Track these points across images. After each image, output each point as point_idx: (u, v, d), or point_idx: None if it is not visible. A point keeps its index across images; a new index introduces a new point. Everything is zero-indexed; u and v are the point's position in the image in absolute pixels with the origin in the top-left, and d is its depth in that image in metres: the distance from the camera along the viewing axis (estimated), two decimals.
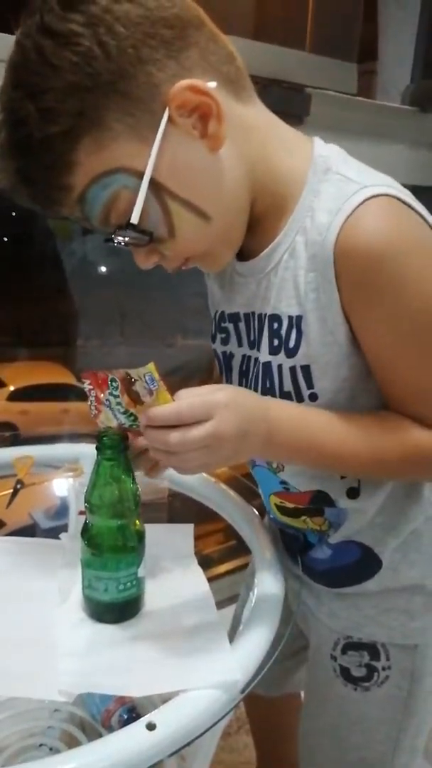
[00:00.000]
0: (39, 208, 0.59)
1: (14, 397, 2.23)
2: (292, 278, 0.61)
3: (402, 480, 0.67)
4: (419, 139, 1.68)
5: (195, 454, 0.54)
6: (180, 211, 0.57)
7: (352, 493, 0.68)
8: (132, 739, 0.49)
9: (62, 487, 0.96)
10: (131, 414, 0.59)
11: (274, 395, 0.65)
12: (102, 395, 0.60)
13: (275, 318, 0.64)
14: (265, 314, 0.65)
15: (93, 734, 0.86)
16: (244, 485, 0.87)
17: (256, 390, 0.67)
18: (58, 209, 0.58)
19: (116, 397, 0.59)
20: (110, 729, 0.83)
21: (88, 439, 0.89)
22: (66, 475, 0.95)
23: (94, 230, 0.61)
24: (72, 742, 0.85)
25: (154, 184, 0.55)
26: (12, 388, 2.23)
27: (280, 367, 0.64)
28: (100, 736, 0.85)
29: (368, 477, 0.66)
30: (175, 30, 0.54)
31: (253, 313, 0.68)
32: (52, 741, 0.85)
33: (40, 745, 0.85)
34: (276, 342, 0.64)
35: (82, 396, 0.64)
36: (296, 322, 0.61)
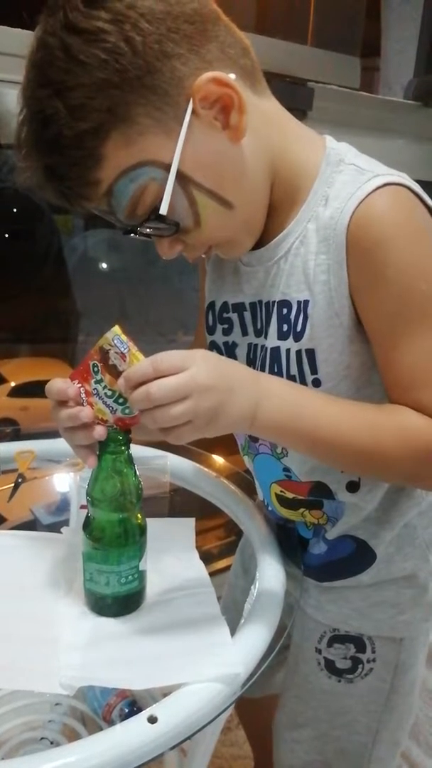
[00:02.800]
0: (66, 203, 0.59)
1: (15, 393, 2.23)
2: (301, 264, 0.62)
3: (397, 472, 0.64)
4: (422, 133, 1.68)
5: (179, 407, 0.52)
6: (205, 201, 0.59)
7: (352, 487, 0.69)
8: (133, 732, 0.49)
9: (63, 482, 0.96)
10: (119, 396, 0.58)
11: None
12: (89, 387, 0.59)
13: (284, 303, 0.64)
14: (274, 301, 0.65)
15: (94, 728, 0.87)
16: (245, 480, 0.87)
17: None
18: (85, 204, 0.59)
19: (100, 381, 0.58)
20: (111, 723, 0.84)
21: None
22: (67, 470, 0.95)
23: (118, 223, 0.61)
24: (73, 736, 0.86)
25: (180, 175, 0.56)
26: (13, 384, 2.23)
27: (288, 351, 0.64)
28: (101, 729, 0.85)
29: (364, 463, 0.63)
30: (196, 25, 0.55)
31: (260, 302, 0.68)
32: (53, 734, 0.86)
33: (41, 738, 0.85)
34: (285, 327, 0.64)
35: None
36: (304, 306, 0.62)
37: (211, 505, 0.87)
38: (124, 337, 0.56)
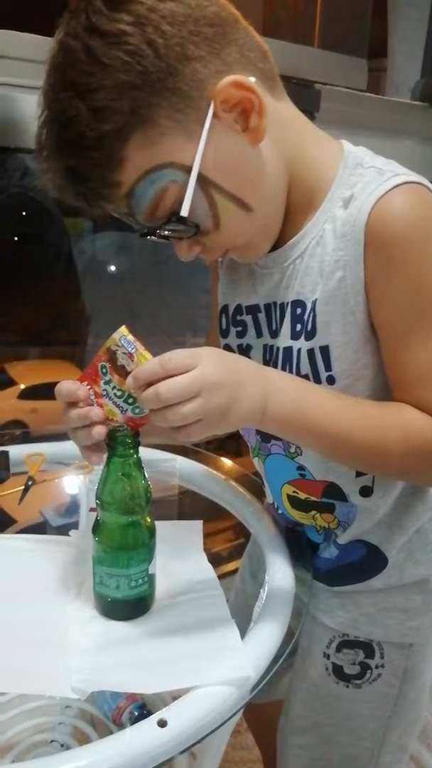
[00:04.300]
0: (85, 205, 0.60)
1: (24, 395, 2.24)
2: (317, 264, 0.63)
3: (397, 469, 0.64)
4: (429, 134, 1.68)
5: (189, 406, 0.52)
6: (225, 204, 0.59)
7: (365, 491, 0.68)
8: (143, 735, 0.48)
9: (72, 484, 0.96)
10: (129, 396, 0.58)
11: None
12: (98, 388, 0.59)
13: (298, 303, 0.64)
14: (288, 302, 0.66)
15: (103, 731, 0.87)
16: (253, 483, 0.87)
17: None
18: (105, 205, 0.59)
19: (109, 382, 0.58)
20: (121, 726, 0.84)
21: None
22: (76, 472, 0.95)
23: (136, 225, 0.62)
24: (83, 739, 0.86)
25: (201, 177, 0.57)
26: (22, 387, 2.24)
27: (299, 351, 0.64)
28: (111, 732, 0.86)
29: (365, 459, 0.63)
30: (216, 27, 0.56)
31: (275, 303, 0.68)
32: (63, 737, 0.86)
33: (52, 741, 0.86)
34: (299, 327, 0.64)
35: None
36: (318, 304, 0.62)
37: (220, 507, 0.87)
38: (131, 337, 0.56)
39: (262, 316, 0.70)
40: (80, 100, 0.53)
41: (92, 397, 0.60)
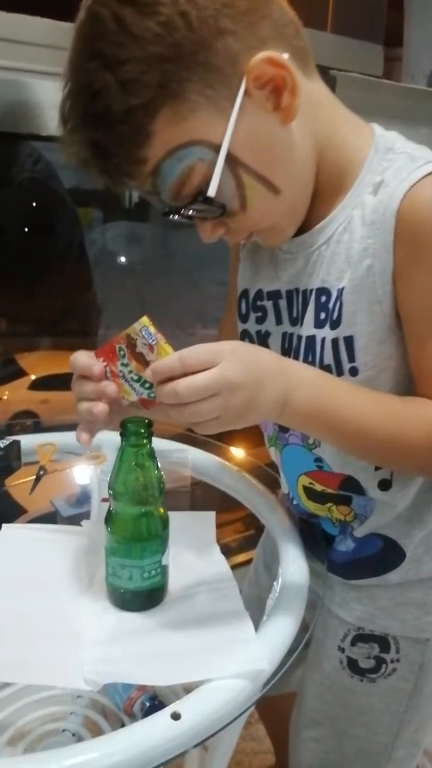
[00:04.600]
0: (109, 181, 0.58)
1: (35, 386, 2.25)
2: (344, 251, 0.61)
3: (417, 464, 0.63)
4: None
5: (206, 404, 0.51)
6: (253, 184, 0.58)
7: (384, 485, 0.67)
8: (157, 728, 0.48)
9: (83, 474, 0.96)
10: (145, 381, 0.57)
11: None
12: (114, 368, 0.58)
13: (323, 291, 0.63)
14: (311, 289, 0.64)
15: (115, 720, 0.87)
16: (266, 474, 0.86)
17: None
18: (129, 182, 0.58)
19: (126, 365, 0.57)
20: (132, 716, 0.84)
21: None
22: (88, 463, 0.95)
23: (160, 204, 0.60)
24: (94, 728, 0.86)
25: (229, 156, 0.55)
26: (33, 378, 2.24)
27: (323, 340, 0.63)
28: (122, 722, 0.85)
29: (385, 454, 0.62)
30: (250, 1, 0.54)
31: (297, 290, 0.67)
32: (75, 726, 0.86)
33: (63, 730, 0.86)
34: (323, 315, 0.63)
35: None
36: (345, 293, 0.61)
37: (230, 498, 0.86)
38: (152, 329, 0.55)
39: (283, 303, 0.69)
40: (108, 72, 0.52)
41: (108, 376, 0.58)
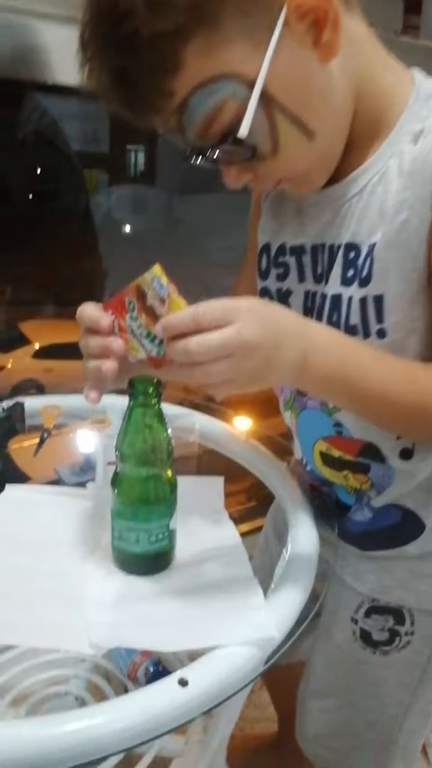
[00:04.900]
0: (131, 114, 0.54)
1: (39, 354, 2.24)
2: (378, 204, 0.57)
3: None
4: None
5: (219, 365, 0.48)
6: (287, 127, 0.54)
7: (405, 454, 0.65)
8: (163, 694, 0.46)
9: (88, 441, 0.94)
10: (155, 337, 0.54)
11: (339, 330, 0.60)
12: (123, 322, 0.55)
13: (352, 247, 0.59)
14: (339, 244, 0.61)
15: (118, 685, 0.86)
16: (275, 443, 0.84)
17: None
18: (152, 117, 0.54)
19: (135, 319, 0.54)
20: (136, 681, 0.83)
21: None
22: (93, 427, 0.93)
23: (184, 144, 0.56)
24: (97, 692, 0.85)
25: (264, 94, 0.51)
26: (37, 346, 2.23)
27: (350, 299, 0.59)
28: (125, 687, 0.85)
29: (405, 422, 0.59)
30: None
31: (323, 245, 0.63)
32: (78, 690, 0.85)
33: (66, 693, 0.85)
34: (351, 272, 0.59)
35: None
36: (378, 249, 0.57)
37: (234, 468, 0.84)
38: (164, 280, 0.51)
39: (306, 259, 0.65)
40: None
41: (116, 330, 0.55)
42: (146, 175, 2.62)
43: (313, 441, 0.71)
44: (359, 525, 0.72)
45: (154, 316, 0.52)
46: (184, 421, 0.88)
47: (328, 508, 0.73)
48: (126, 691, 0.85)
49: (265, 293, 0.69)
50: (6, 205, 1.79)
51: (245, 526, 1.03)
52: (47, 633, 0.54)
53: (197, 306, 0.49)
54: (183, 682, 0.47)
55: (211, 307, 0.49)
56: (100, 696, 0.84)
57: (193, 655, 0.51)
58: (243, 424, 0.94)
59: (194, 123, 0.53)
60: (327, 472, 0.72)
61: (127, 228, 2.53)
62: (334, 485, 0.73)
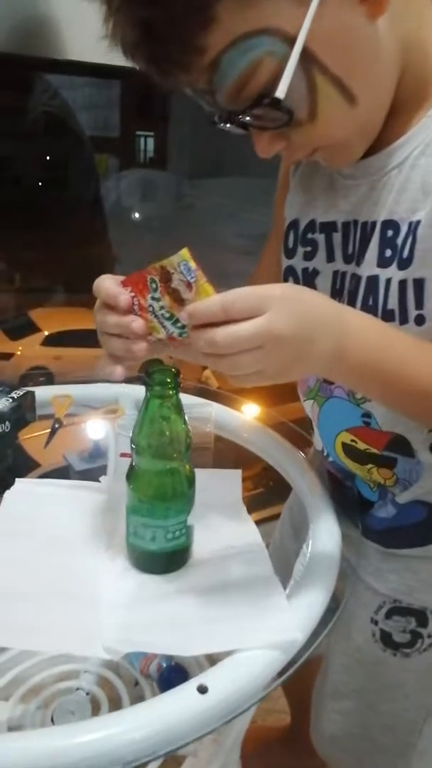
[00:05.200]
0: (157, 73, 0.50)
1: (48, 342, 2.23)
2: (420, 177, 0.53)
3: None
4: None
5: (247, 357, 0.45)
6: (328, 90, 0.49)
7: None
8: (182, 703, 0.44)
9: (97, 428, 0.92)
10: (178, 320, 0.50)
11: (375, 315, 0.56)
12: (143, 301, 0.51)
13: (391, 224, 0.55)
14: (375, 221, 0.57)
15: (129, 680, 0.85)
16: (292, 432, 0.81)
17: None
18: (181, 76, 0.50)
19: (158, 300, 0.50)
20: (148, 676, 0.82)
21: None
22: (105, 417, 0.90)
23: (213, 107, 0.52)
24: (108, 687, 0.84)
25: (305, 52, 0.47)
26: (46, 333, 2.22)
27: (388, 281, 0.55)
28: (136, 681, 0.83)
29: None
30: None
31: (356, 222, 0.59)
32: (89, 685, 0.84)
33: (77, 689, 0.84)
34: (389, 252, 0.55)
35: None
36: (422, 227, 0.53)
37: (241, 455, 0.81)
38: (192, 264, 0.48)
39: (337, 237, 0.61)
40: None
41: (135, 309, 0.52)
42: (156, 160, 2.58)
43: (337, 432, 0.68)
44: (382, 522, 0.69)
45: (179, 300, 0.49)
46: (200, 411, 0.86)
47: (350, 504, 0.71)
48: (137, 685, 0.84)
49: (290, 273, 0.66)
50: (15, 190, 1.76)
51: (254, 516, 1.02)
52: (59, 636, 0.52)
53: (226, 294, 0.46)
54: (202, 689, 0.44)
55: (241, 296, 0.45)
56: (110, 691, 0.82)
57: (209, 655, 0.49)
58: (255, 410, 0.91)
59: (226, 83, 0.49)
60: (350, 464, 0.69)
61: (137, 214, 2.50)
62: (355, 479, 0.71)
